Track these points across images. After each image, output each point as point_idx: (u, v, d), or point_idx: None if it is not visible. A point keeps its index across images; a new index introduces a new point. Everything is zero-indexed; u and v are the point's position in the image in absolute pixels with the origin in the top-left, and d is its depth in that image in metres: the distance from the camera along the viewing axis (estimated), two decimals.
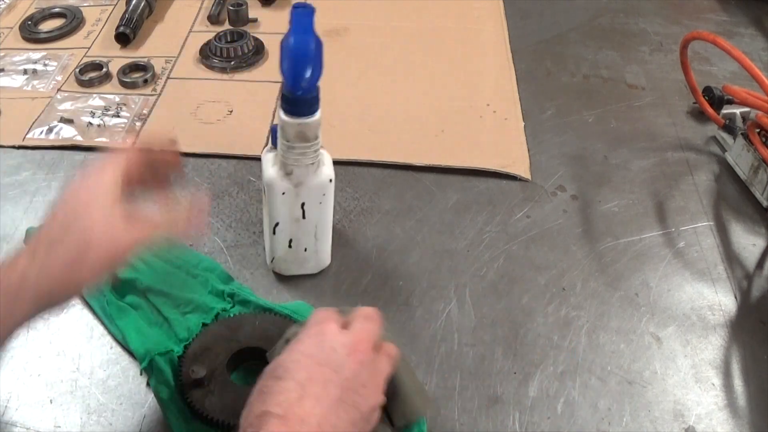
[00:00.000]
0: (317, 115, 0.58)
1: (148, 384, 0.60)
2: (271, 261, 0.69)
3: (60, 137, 0.86)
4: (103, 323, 0.65)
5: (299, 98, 0.57)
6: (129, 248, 0.47)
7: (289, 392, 0.44)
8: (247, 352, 0.60)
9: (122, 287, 0.65)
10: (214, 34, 1.01)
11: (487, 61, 1.02)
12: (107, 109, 0.90)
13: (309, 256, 0.69)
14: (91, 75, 0.95)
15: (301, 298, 0.67)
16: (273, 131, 0.62)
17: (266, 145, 0.64)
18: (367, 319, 0.51)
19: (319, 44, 0.56)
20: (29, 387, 0.60)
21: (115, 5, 1.11)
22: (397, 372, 0.52)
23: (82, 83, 0.94)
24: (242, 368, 0.61)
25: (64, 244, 0.45)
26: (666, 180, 0.84)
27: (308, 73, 0.56)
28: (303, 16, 0.55)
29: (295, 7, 0.57)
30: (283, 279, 0.70)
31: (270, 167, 0.63)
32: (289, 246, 0.67)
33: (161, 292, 0.65)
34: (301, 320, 0.62)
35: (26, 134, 0.86)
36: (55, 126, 0.88)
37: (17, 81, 0.95)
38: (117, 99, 0.92)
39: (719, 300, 0.70)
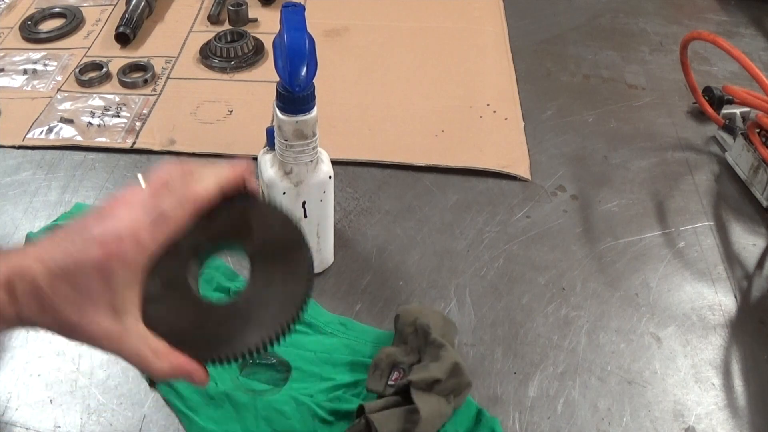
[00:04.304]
0: (314, 112, 0.59)
1: (151, 385, 0.60)
2: None
3: (60, 137, 0.86)
4: None
5: (296, 96, 0.57)
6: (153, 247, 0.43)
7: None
8: (221, 249, 0.48)
9: None
10: (214, 34, 1.01)
11: (487, 61, 1.02)
12: (107, 109, 0.90)
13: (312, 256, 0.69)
14: (91, 75, 0.95)
15: None
16: (269, 132, 0.62)
17: (265, 146, 0.64)
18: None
19: (312, 41, 0.56)
20: (29, 387, 0.60)
21: (115, 5, 1.11)
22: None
23: (82, 83, 0.94)
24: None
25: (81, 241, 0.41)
26: (666, 180, 0.84)
27: (304, 71, 0.56)
28: (294, 14, 0.55)
29: (285, 6, 0.57)
30: None
31: (269, 168, 0.63)
32: None
33: None
34: (306, 318, 0.62)
35: (26, 134, 0.86)
36: (55, 126, 0.88)
37: (17, 81, 0.95)
38: (117, 99, 0.92)
39: (719, 300, 0.70)
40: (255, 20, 1.08)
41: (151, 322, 0.43)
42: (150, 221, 0.42)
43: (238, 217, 0.46)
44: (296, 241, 0.46)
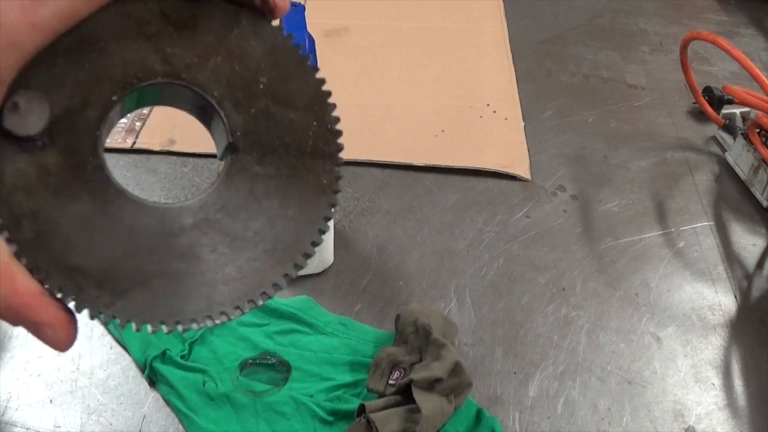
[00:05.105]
0: None
1: (151, 384, 0.60)
2: None
3: None
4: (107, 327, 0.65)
5: None
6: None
7: None
8: (178, 98, 0.27)
9: None
10: None
11: (487, 61, 1.02)
12: None
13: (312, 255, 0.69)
14: None
15: None
16: None
17: None
18: None
19: (312, 41, 0.57)
20: (29, 387, 0.60)
21: None
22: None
23: None
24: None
25: None
26: (666, 180, 0.84)
27: None
28: (294, 14, 0.56)
29: None
30: None
31: None
32: None
33: None
34: (307, 318, 0.62)
35: None
36: None
37: None
38: None
39: (719, 300, 0.70)
40: None
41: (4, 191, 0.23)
42: None
43: (232, 50, 0.26)
44: (322, 137, 0.27)
